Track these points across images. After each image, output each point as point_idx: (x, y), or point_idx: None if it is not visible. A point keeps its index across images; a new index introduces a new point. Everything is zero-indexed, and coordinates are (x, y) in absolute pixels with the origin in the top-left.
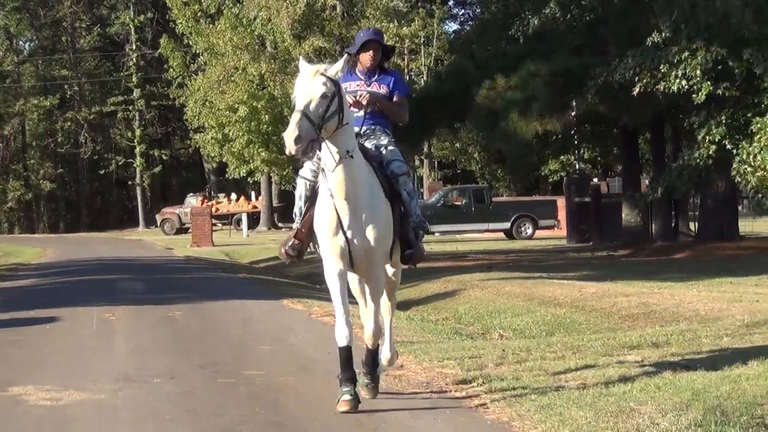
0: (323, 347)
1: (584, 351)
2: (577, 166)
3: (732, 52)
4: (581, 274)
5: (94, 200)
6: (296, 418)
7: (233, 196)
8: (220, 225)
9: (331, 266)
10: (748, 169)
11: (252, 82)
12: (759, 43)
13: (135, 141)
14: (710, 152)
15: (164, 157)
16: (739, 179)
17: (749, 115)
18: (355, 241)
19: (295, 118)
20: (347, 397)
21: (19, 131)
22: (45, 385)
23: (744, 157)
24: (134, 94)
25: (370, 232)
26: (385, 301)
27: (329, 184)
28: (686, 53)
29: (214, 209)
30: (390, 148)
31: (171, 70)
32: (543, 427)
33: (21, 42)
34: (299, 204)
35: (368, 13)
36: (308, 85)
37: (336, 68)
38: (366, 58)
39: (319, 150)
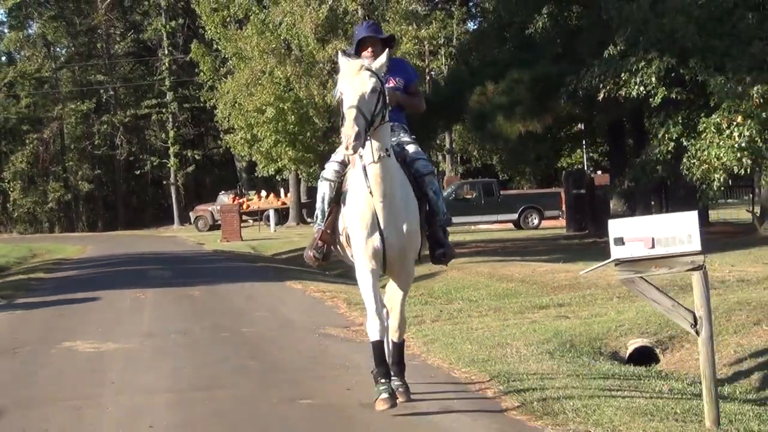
0: (304, 313)
1: (503, 311)
2: (584, 160)
3: (681, 61)
4: (552, 257)
5: (130, 199)
6: (270, 354)
7: (263, 193)
8: (251, 221)
9: (363, 265)
10: (696, 163)
11: (278, 85)
12: (702, 53)
13: (169, 142)
14: (669, 148)
15: (197, 157)
16: (686, 172)
17: (702, 115)
18: (390, 239)
19: (351, 114)
20: (384, 395)
21: (58, 135)
22: (89, 340)
23: (693, 152)
24: (167, 97)
25: (405, 230)
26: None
27: (369, 182)
28: (643, 63)
29: (245, 206)
30: (412, 145)
31: (201, 73)
32: (441, 355)
33: (58, 49)
34: (321, 206)
35: (388, 17)
36: (356, 80)
37: (380, 62)
38: (366, 56)
39: (362, 147)
